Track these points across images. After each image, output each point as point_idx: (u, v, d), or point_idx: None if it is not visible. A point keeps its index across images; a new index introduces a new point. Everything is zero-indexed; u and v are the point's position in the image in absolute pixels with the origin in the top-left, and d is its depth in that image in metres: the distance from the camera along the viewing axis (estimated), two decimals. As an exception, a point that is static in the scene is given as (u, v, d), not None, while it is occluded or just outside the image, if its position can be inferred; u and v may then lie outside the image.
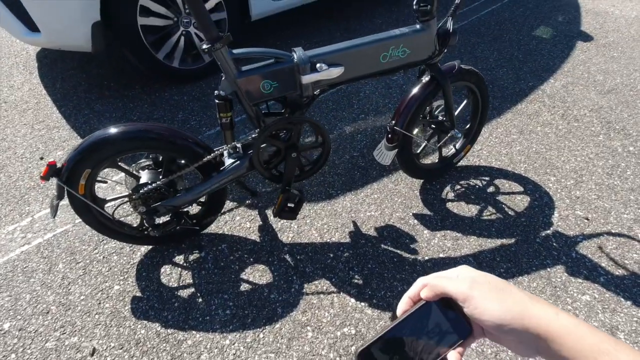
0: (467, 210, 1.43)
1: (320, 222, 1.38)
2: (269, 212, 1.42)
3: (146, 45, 1.81)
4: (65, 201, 1.06)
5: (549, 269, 1.23)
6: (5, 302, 1.17)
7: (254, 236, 1.34)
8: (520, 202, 1.45)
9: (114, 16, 1.68)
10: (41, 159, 1.66)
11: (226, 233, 1.36)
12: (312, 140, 1.24)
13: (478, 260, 1.26)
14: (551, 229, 1.36)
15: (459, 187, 1.53)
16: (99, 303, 1.17)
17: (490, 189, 1.51)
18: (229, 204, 1.45)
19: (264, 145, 1.09)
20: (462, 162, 1.62)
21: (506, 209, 1.44)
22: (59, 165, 1.00)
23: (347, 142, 1.74)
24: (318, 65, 0.95)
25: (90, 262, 1.28)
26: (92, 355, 1.06)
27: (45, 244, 1.33)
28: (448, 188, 1.52)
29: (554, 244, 1.31)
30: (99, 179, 1.10)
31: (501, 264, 1.25)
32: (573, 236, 1.33)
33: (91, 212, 1.11)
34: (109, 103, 1.97)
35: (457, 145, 1.54)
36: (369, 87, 2.09)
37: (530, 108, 1.93)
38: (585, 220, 1.38)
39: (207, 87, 2.08)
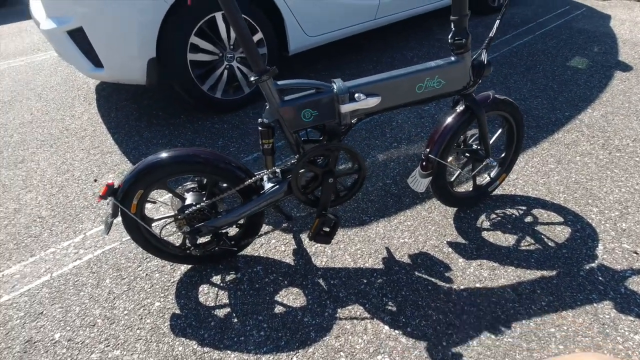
0: (503, 239, 1.40)
1: (353, 248, 1.40)
2: (304, 237, 1.45)
3: (193, 79, 1.96)
4: (117, 219, 1.15)
5: (595, 305, 1.17)
6: (57, 313, 1.25)
7: (289, 259, 1.37)
8: (560, 233, 1.41)
9: (167, 53, 1.85)
10: (95, 181, 1.80)
11: (262, 255, 1.39)
12: (348, 166, 1.28)
13: (517, 292, 1.22)
14: (596, 262, 1.30)
15: (494, 216, 1.50)
16: (141, 318, 1.22)
17: (528, 219, 1.48)
18: (264, 228, 1.50)
19: (303, 170, 1.14)
20: (497, 191, 1.61)
21: (546, 239, 1.39)
22: (115, 185, 1.09)
23: (380, 169, 1.77)
24: (356, 95, 1.01)
25: (134, 278, 1.34)
26: (132, 369, 1.10)
27: (95, 260, 1.42)
28: (483, 217, 1.50)
29: (600, 278, 1.25)
30: (149, 199, 1.18)
31: (542, 297, 1.21)
32: (621, 270, 1.27)
33: (140, 230, 1.18)
34: (157, 131, 2.13)
35: (492, 174, 1.53)
36: (401, 116, 2.14)
37: (567, 137, 1.90)
38: (634, 254, 1.31)
39: (245, 116, 2.20)
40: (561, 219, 1.46)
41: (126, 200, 1.11)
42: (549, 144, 1.86)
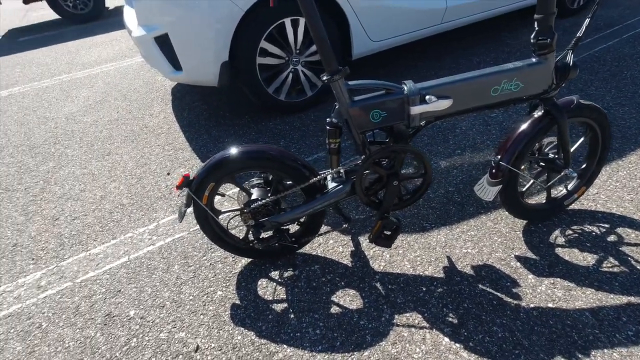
0: (581, 258, 1.28)
1: (413, 254, 1.36)
2: (362, 239, 1.44)
3: (260, 81, 2.06)
4: (189, 210, 1.23)
5: (695, 340, 1.03)
6: (133, 292, 1.36)
7: (346, 261, 1.37)
8: (651, 257, 1.25)
9: (239, 57, 1.97)
10: (168, 174, 1.95)
11: (319, 255, 1.41)
12: (413, 170, 1.25)
13: (597, 318, 1.11)
14: (697, 292, 1.14)
15: (570, 232, 1.38)
16: (204, 305, 1.29)
17: (611, 238, 1.33)
18: (323, 228, 1.51)
19: (367, 171, 1.14)
20: (574, 206, 1.47)
21: (632, 262, 1.25)
22: (191, 177, 1.18)
23: (442, 176, 1.71)
24: (427, 97, 0.99)
25: (199, 267, 1.43)
26: (195, 351, 1.16)
27: (166, 247, 1.53)
28: (557, 232, 1.39)
29: (702, 311, 1.09)
30: (218, 192, 1.25)
31: (629, 326, 1.08)
32: None
33: (208, 221, 1.26)
34: (224, 130, 2.26)
35: (570, 187, 1.41)
36: (466, 123, 2.05)
37: (662, 151, 1.69)
38: None
39: (306, 119, 2.26)
40: (653, 241, 1.30)
41: (199, 191, 1.18)
42: (637, 157, 1.67)
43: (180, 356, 1.15)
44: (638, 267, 1.23)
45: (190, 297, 1.32)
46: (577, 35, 1.01)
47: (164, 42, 1.95)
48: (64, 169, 2.10)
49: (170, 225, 1.63)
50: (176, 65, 1.99)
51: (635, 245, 1.30)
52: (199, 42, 1.89)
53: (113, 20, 5.06)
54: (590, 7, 1.00)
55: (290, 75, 2.16)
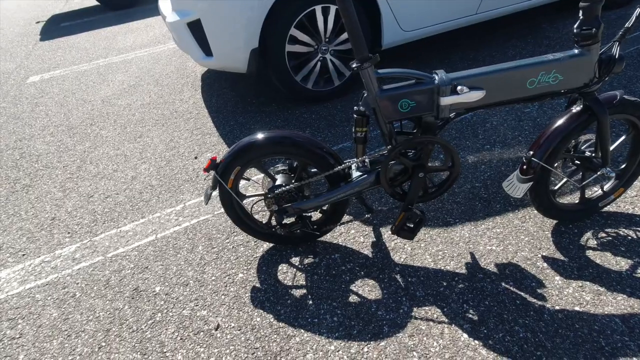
0: (614, 263, 1.23)
1: (435, 248, 1.34)
2: (383, 230, 1.44)
3: (288, 69, 2.06)
4: (214, 193, 1.26)
5: None
6: (159, 269, 1.42)
7: (367, 251, 1.37)
8: (693, 265, 1.18)
9: (268, 44, 1.97)
10: (195, 158, 2.00)
11: (340, 244, 1.42)
12: (440, 163, 1.23)
13: (628, 325, 1.06)
14: None
15: (604, 235, 1.32)
16: (226, 286, 1.33)
17: (649, 244, 1.26)
18: (345, 217, 1.52)
19: (393, 162, 1.13)
20: (609, 208, 1.40)
21: (671, 270, 1.18)
22: (218, 160, 1.20)
23: (469, 171, 1.67)
24: (459, 87, 0.96)
25: (222, 249, 1.47)
26: (216, 329, 1.20)
27: (191, 228, 1.58)
28: (589, 234, 1.33)
29: None
30: (244, 176, 1.28)
31: (662, 335, 1.03)
32: None
33: (233, 204, 1.28)
34: (250, 117, 2.29)
35: (606, 187, 1.34)
36: (497, 117, 1.98)
37: None
38: None
39: (333, 108, 2.25)
40: (695, 249, 1.23)
41: (225, 175, 1.21)
42: (684, 160, 1.56)
43: (202, 333, 1.19)
44: (677, 275, 1.16)
45: (213, 278, 1.36)
46: (626, 25, 0.95)
47: (196, 28, 1.98)
48: (99, 149, 2.20)
49: (196, 207, 1.68)
50: (207, 50, 2.02)
51: (676, 252, 1.23)
52: (230, 28, 1.91)
53: (148, 7, 5.19)
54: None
55: (319, 63, 2.15)
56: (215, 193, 1.68)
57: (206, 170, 1.18)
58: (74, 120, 2.55)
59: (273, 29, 1.94)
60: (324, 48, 2.10)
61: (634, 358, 0.99)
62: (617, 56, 0.97)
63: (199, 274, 1.38)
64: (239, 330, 1.19)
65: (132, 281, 1.39)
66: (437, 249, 1.34)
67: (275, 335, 1.16)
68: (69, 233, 1.64)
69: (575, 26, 0.96)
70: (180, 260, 1.44)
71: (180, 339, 1.18)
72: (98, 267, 1.46)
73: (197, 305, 1.28)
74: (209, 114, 2.39)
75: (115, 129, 2.38)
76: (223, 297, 1.30)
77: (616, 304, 1.11)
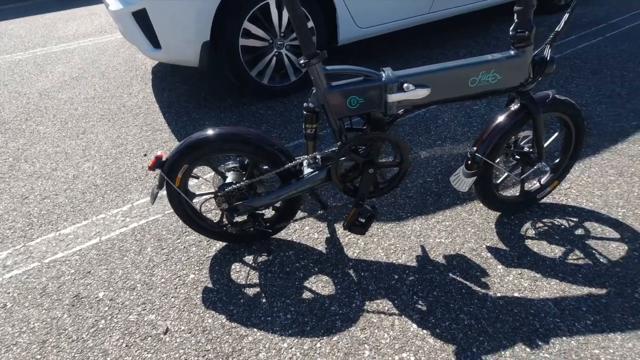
0: (549, 250, 1.32)
1: (387, 242, 1.38)
2: (337, 226, 1.45)
3: (243, 63, 2.01)
4: (162, 192, 1.21)
5: (649, 330, 1.07)
6: (103, 273, 1.34)
7: (321, 247, 1.38)
8: (615, 250, 1.30)
9: (220, 37, 1.91)
10: (144, 155, 1.90)
11: (294, 241, 1.41)
12: (391, 159, 1.25)
13: (560, 307, 1.15)
14: (654, 285, 1.18)
15: (541, 225, 1.41)
16: (176, 288, 1.28)
17: (579, 232, 1.37)
18: (299, 214, 1.51)
19: (344, 158, 1.13)
20: (547, 199, 1.51)
21: (597, 255, 1.29)
22: (164, 158, 1.15)
23: (421, 167, 1.72)
24: (405, 85, 0.98)
25: (173, 249, 1.41)
26: (165, 333, 1.15)
27: (139, 229, 1.50)
28: (528, 224, 1.42)
29: (658, 303, 1.14)
30: (192, 174, 1.23)
31: (587, 316, 1.12)
32: (683, 297, 1.14)
33: (182, 203, 1.24)
34: (204, 112, 2.21)
35: (543, 180, 1.44)
36: (447, 114, 2.06)
37: (633, 149, 1.74)
38: (701, 282, 1.18)
39: (289, 104, 2.23)
40: (617, 235, 1.35)
41: (172, 173, 1.16)
42: (610, 154, 1.71)
43: (149, 338, 1.14)
44: (601, 261, 1.27)
45: (162, 280, 1.30)
46: (556, 29, 1.01)
47: (142, 18, 1.87)
48: (36, 147, 2.03)
49: (145, 207, 1.60)
50: (155, 42, 1.92)
51: (601, 239, 1.34)
52: (179, 20, 1.83)
53: (94, -7, 4.86)
54: (571, 3, 1.00)
55: (274, 58, 2.12)
56: (163, 192, 1.61)
57: (151, 168, 1.13)
58: (7, 115, 2.33)
59: (225, 21, 1.89)
60: (279, 43, 2.07)
61: (564, 337, 1.07)
62: (548, 58, 1.03)
63: (147, 277, 1.32)
64: (190, 332, 1.15)
65: (72, 287, 1.30)
66: (390, 243, 1.38)
67: (227, 336, 1.13)
68: (-1, 238, 1.51)
69: (510, 29, 1.01)
70: (127, 263, 1.37)
71: (126, 345, 1.12)
72: (33, 275, 1.35)
73: (144, 310, 1.22)
74: (159, 109, 2.28)
75: (55, 124, 2.21)
76: (173, 299, 1.25)
77: (550, 288, 1.20)
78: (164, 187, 1.19)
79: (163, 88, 2.51)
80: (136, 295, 1.26)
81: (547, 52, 1.04)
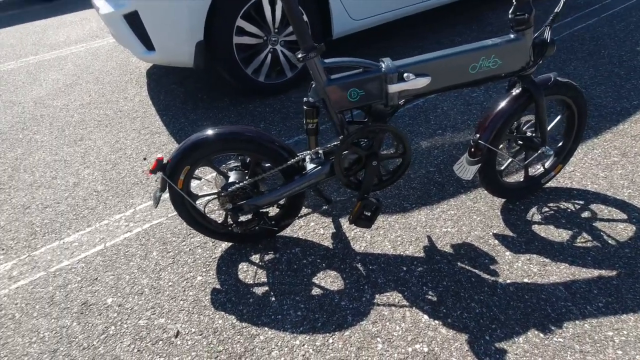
0: (556, 235, 1.31)
1: (393, 235, 1.37)
2: (343, 221, 1.44)
3: (238, 62, 1.99)
4: (165, 195, 1.20)
5: (661, 310, 1.07)
6: (110, 280, 1.33)
7: (327, 242, 1.37)
8: (623, 231, 1.29)
9: (214, 36, 1.89)
10: (144, 159, 1.89)
11: (300, 237, 1.40)
12: (393, 150, 1.24)
13: (570, 291, 1.14)
14: (664, 264, 1.18)
15: (547, 209, 1.41)
16: (184, 290, 1.27)
17: (585, 214, 1.37)
18: (304, 210, 1.50)
19: (346, 152, 1.12)
20: (551, 184, 1.50)
21: (605, 237, 1.28)
22: (165, 161, 1.14)
23: (423, 157, 1.71)
24: (405, 75, 0.97)
25: (178, 252, 1.40)
26: (176, 336, 1.15)
27: (143, 233, 1.49)
28: (534, 209, 1.41)
29: (668, 282, 1.13)
30: (194, 176, 1.22)
31: (599, 298, 1.12)
32: (693, 275, 1.14)
33: (185, 205, 1.22)
34: (202, 113, 2.19)
35: (547, 165, 1.43)
36: (447, 103, 2.05)
37: (635, 129, 1.73)
38: None
39: (287, 100, 2.21)
40: (624, 216, 1.34)
41: (174, 175, 1.15)
42: (612, 135, 1.71)
43: (160, 342, 1.13)
44: (610, 242, 1.26)
45: (170, 283, 1.30)
46: (555, 11, 1.00)
47: (134, 20, 1.85)
48: (34, 156, 2.01)
49: (148, 211, 1.59)
50: (148, 45, 1.90)
51: (608, 220, 1.34)
52: (171, 20, 1.81)
53: (83, -2, 4.81)
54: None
55: (269, 55, 2.10)
56: (166, 195, 1.60)
57: (152, 172, 1.12)
58: (2, 125, 2.32)
59: (218, 19, 1.86)
60: (273, 39, 2.05)
61: (576, 321, 1.06)
62: (548, 40, 1.02)
63: (154, 281, 1.31)
64: (201, 334, 1.15)
65: (80, 295, 1.29)
66: (396, 235, 1.37)
67: (238, 336, 1.13)
68: (2, 249, 1.50)
69: (510, 12, 1.00)
70: (133, 268, 1.36)
71: (138, 350, 1.12)
72: (40, 284, 1.34)
73: (153, 314, 1.21)
74: (156, 112, 2.26)
75: (52, 132, 2.19)
76: (182, 302, 1.24)
77: (560, 272, 1.19)
78: (167, 190, 1.17)
79: (159, 91, 2.48)
80: (144, 300, 1.25)
81: (547, 34, 1.02)
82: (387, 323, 1.11)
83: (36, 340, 1.17)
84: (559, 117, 1.36)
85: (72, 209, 1.65)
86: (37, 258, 1.44)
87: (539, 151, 1.25)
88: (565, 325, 1.06)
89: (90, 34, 3.61)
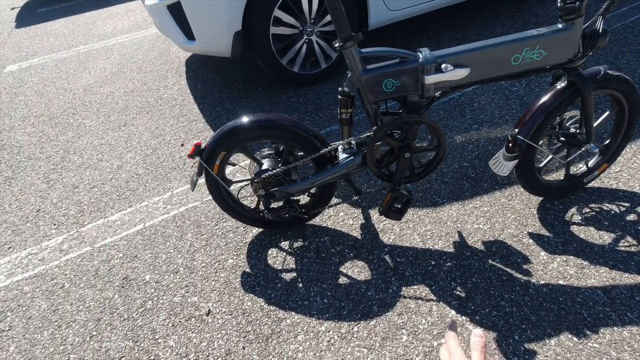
0: (597, 237, 1.25)
1: (423, 228, 1.36)
2: (372, 212, 1.44)
3: (274, 52, 2.02)
4: (200, 179, 1.25)
5: None
6: (148, 257, 1.41)
7: (356, 233, 1.38)
8: (673, 237, 1.21)
9: (252, 26, 1.93)
10: (182, 145, 1.97)
11: (329, 227, 1.42)
12: (427, 143, 1.23)
13: (610, 296, 1.09)
14: None
15: (588, 210, 1.34)
16: (216, 272, 1.33)
17: (631, 217, 1.29)
18: (333, 200, 1.52)
19: (379, 143, 1.12)
20: (594, 184, 1.42)
21: (652, 242, 1.21)
22: (202, 146, 1.18)
23: (456, 151, 1.67)
24: (443, 65, 0.95)
25: (211, 235, 1.46)
26: (207, 315, 1.20)
27: (180, 216, 1.56)
28: (574, 210, 1.35)
29: None
30: (230, 162, 1.26)
31: (642, 305, 1.06)
32: None
33: (220, 190, 1.27)
34: (237, 102, 2.25)
35: (591, 163, 1.36)
36: (484, 97, 1.98)
37: (694, 129, 1.60)
38: None
39: (320, 91, 2.22)
40: (675, 221, 1.26)
41: (210, 160, 1.19)
42: (667, 135, 1.59)
43: (193, 319, 1.19)
44: (657, 247, 1.19)
45: (203, 264, 1.36)
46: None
47: (177, 11, 1.92)
48: (83, 139, 2.15)
49: (184, 194, 1.66)
50: (189, 34, 1.97)
51: (656, 225, 1.26)
52: (212, 11, 1.86)
53: (128, -10, 5.02)
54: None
55: (305, 46, 2.11)
56: (202, 180, 1.67)
57: (191, 156, 1.17)
58: (55, 110, 2.48)
59: (256, 10, 1.89)
60: (309, 30, 2.06)
61: (615, 327, 1.02)
62: (600, 30, 0.96)
63: (188, 261, 1.38)
64: (230, 314, 1.20)
65: (121, 270, 1.38)
66: (426, 228, 1.36)
67: (266, 319, 1.17)
68: (55, 225, 1.62)
69: (559, 0, 0.95)
70: (170, 248, 1.44)
71: (172, 325, 1.19)
72: (86, 258, 1.45)
73: (187, 292, 1.28)
74: (194, 100, 2.35)
75: (99, 117, 2.33)
76: (213, 283, 1.30)
77: (599, 276, 1.14)
78: (203, 175, 1.22)
79: (197, 80, 2.57)
80: (179, 279, 1.32)
81: (600, 24, 0.97)
82: (413, 316, 1.11)
83: (82, 308, 1.27)
84: (607, 113, 1.29)
85: (116, 190, 1.75)
86: (84, 234, 1.55)
87: (583, 148, 1.19)
88: (602, 330, 1.02)
89: (135, 24, 3.77)
